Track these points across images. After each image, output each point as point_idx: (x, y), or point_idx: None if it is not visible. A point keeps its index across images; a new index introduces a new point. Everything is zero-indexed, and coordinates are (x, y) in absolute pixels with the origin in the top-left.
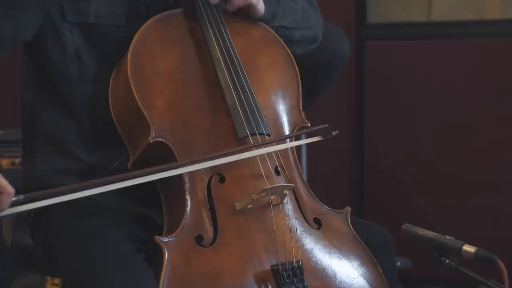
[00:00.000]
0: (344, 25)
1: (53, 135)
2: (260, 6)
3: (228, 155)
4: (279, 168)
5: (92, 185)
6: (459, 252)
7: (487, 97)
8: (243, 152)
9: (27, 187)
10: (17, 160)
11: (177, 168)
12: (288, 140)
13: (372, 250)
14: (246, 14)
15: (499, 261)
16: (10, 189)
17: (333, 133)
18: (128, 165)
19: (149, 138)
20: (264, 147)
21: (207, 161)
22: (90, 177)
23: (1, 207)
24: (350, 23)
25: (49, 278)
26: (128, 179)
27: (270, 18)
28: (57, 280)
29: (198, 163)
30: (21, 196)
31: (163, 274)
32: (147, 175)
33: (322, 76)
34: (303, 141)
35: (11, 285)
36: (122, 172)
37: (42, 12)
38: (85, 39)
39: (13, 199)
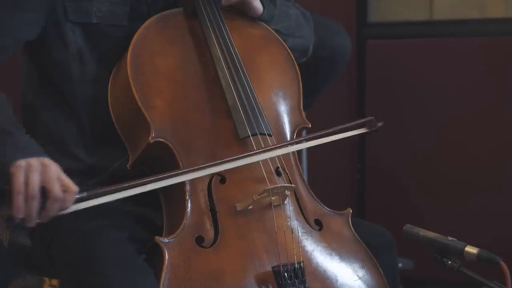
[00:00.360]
0: (344, 24)
1: (54, 135)
2: (256, 4)
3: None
4: (280, 169)
5: (152, 180)
6: (461, 253)
7: (489, 97)
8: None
9: None
10: None
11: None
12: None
13: (373, 251)
14: (245, 13)
15: (502, 262)
16: (74, 188)
17: (379, 124)
18: (128, 165)
19: (149, 138)
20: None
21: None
22: (90, 178)
23: (65, 205)
24: (351, 22)
25: (46, 279)
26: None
27: (269, 19)
28: (55, 282)
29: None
30: (84, 194)
31: (163, 274)
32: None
33: (323, 74)
34: (347, 134)
35: (8, 286)
36: (122, 173)
37: (46, 11)
38: (86, 39)
39: (76, 196)
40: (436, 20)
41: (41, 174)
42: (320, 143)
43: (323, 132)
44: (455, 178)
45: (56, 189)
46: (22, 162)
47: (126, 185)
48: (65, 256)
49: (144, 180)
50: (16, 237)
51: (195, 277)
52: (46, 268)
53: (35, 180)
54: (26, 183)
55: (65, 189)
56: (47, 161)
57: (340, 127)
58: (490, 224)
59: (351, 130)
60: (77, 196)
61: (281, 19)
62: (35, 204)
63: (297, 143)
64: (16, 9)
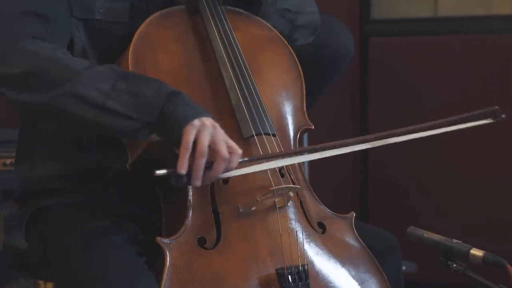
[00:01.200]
0: (347, 21)
1: (54, 137)
2: None
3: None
4: (283, 170)
5: (316, 149)
6: (466, 255)
7: (495, 96)
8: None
9: (25, 190)
10: (8, 161)
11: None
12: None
13: (377, 254)
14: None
15: (508, 265)
16: (239, 150)
17: (503, 115)
18: (127, 165)
19: (152, 136)
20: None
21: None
22: (90, 180)
23: (230, 166)
24: (353, 19)
25: (41, 282)
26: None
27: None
28: (50, 285)
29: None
30: (246, 158)
31: (164, 276)
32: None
33: (325, 74)
34: (468, 124)
35: None
36: (123, 175)
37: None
38: (88, 36)
39: (239, 160)
40: (441, 17)
41: (211, 134)
42: (433, 133)
43: (442, 121)
44: (459, 180)
45: (223, 150)
46: (196, 122)
47: (284, 153)
48: (63, 257)
49: (309, 148)
50: (10, 239)
51: (196, 279)
52: (42, 270)
53: (206, 139)
54: (196, 141)
55: (230, 151)
56: (215, 122)
57: (459, 116)
58: (493, 228)
59: (474, 121)
60: (240, 160)
61: None
62: (202, 162)
63: (402, 134)
64: (61, 10)
